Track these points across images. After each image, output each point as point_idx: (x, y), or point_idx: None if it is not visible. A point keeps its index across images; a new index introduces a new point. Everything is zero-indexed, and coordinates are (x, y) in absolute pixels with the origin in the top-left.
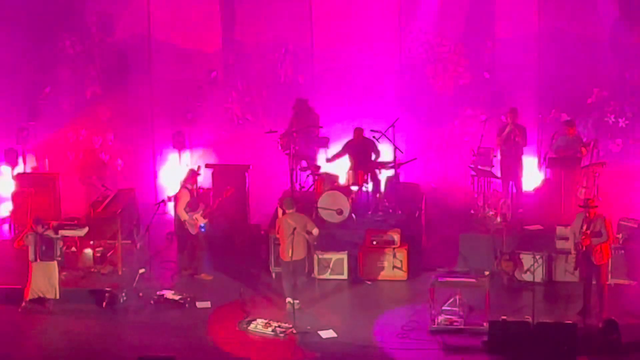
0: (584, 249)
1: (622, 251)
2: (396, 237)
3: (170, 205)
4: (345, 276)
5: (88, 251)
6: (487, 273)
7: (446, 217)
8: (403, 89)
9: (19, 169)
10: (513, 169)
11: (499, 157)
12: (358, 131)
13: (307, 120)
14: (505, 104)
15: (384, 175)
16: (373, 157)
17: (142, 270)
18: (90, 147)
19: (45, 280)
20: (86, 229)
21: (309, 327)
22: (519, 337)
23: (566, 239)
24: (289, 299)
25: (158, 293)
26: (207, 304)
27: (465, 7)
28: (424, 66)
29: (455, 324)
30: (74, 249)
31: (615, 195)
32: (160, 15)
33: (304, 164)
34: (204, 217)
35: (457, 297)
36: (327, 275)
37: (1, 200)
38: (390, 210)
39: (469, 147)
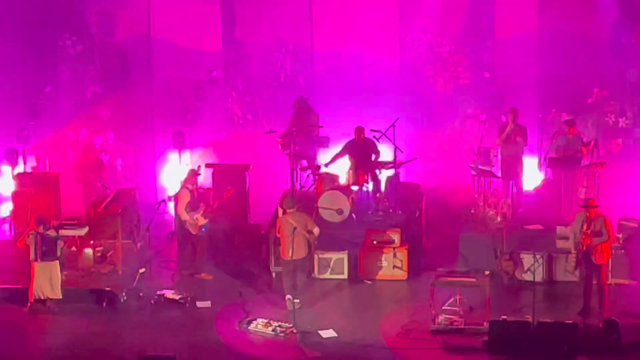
0: (585, 248)
1: (623, 251)
2: (396, 236)
3: (171, 205)
4: (345, 276)
5: (88, 251)
6: (487, 273)
7: (446, 217)
8: (403, 88)
9: (19, 168)
10: (513, 169)
11: (499, 156)
12: (359, 130)
13: (307, 120)
14: (505, 104)
15: (384, 175)
16: (373, 157)
17: (142, 270)
18: (88, 146)
19: (47, 280)
20: (86, 229)
21: (309, 327)
22: (519, 337)
23: (566, 238)
24: (288, 296)
25: (158, 293)
26: (208, 304)
27: (465, 7)
28: (424, 66)
29: (455, 323)
30: (74, 248)
31: (616, 195)
32: (160, 15)
33: (304, 163)
34: (205, 217)
35: (458, 297)
36: (327, 275)
37: (1, 200)
38: (391, 210)
39: (469, 147)
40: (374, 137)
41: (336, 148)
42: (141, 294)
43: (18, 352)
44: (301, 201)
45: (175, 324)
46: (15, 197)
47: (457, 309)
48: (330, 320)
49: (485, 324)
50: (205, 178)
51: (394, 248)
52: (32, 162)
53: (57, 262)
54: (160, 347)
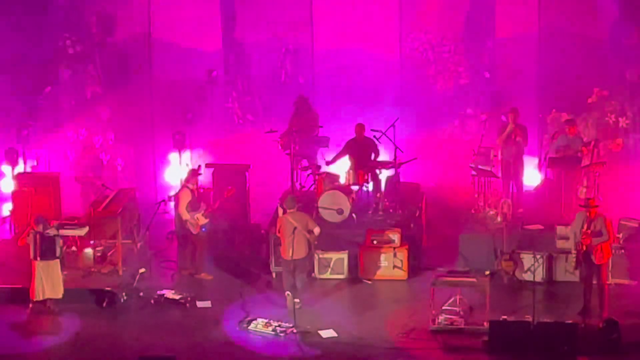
0: (585, 248)
1: (623, 251)
2: (396, 236)
3: (171, 205)
4: (345, 276)
5: (88, 251)
6: (487, 273)
7: (446, 217)
8: (403, 88)
9: (19, 168)
10: (513, 169)
11: (499, 156)
12: (360, 127)
13: (307, 119)
14: (505, 104)
15: (384, 174)
16: (373, 156)
17: (142, 270)
18: (88, 146)
19: (47, 279)
20: (86, 229)
21: (309, 327)
22: (520, 337)
23: (566, 238)
24: (287, 292)
25: (158, 293)
26: (208, 304)
27: (466, 7)
28: (424, 66)
29: (455, 323)
30: (74, 248)
31: (616, 194)
32: (160, 15)
33: (304, 163)
34: (205, 217)
35: (458, 297)
36: (327, 275)
37: (2, 199)
38: (391, 210)
39: (469, 147)
40: (374, 136)
41: (337, 148)
42: (141, 294)
43: (18, 352)
44: (301, 201)
45: (176, 324)
46: (15, 197)
47: (457, 309)
48: (330, 320)
49: (485, 324)
50: (205, 178)
51: (394, 248)
52: (32, 162)
53: (58, 260)
54: (160, 347)
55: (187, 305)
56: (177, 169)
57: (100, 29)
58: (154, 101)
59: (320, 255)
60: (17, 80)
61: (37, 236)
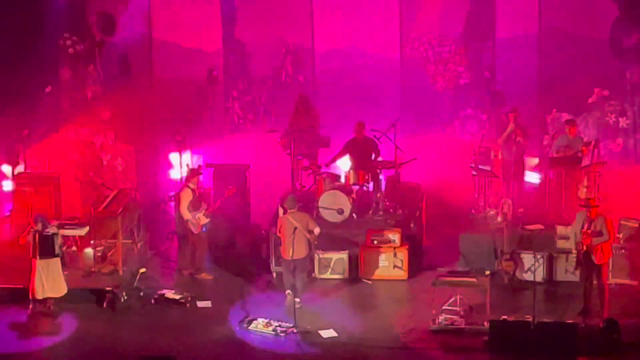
0: (585, 248)
1: (623, 251)
2: (396, 236)
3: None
4: (345, 275)
5: (88, 251)
6: (487, 273)
7: (446, 217)
8: (404, 88)
9: (20, 168)
10: (514, 169)
11: (499, 156)
12: (360, 126)
13: (308, 119)
14: (505, 104)
15: (384, 174)
16: (373, 156)
17: (142, 270)
18: (89, 145)
19: (48, 277)
20: (87, 229)
21: (309, 327)
22: (520, 337)
23: (567, 238)
24: (288, 291)
25: (159, 292)
26: (208, 304)
27: (466, 6)
28: (424, 66)
29: (455, 323)
30: (74, 248)
31: (616, 194)
32: (161, 15)
33: (305, 163)
34: (206, 217)
35: (458, 297)
36: (327, 275)
37: (3, 200)
38: (391, 210)
39: (470, 146)
40: (375, 136)
41: (337, 148)
42: (141, 294)
43: (18, 351)
44: (301, 201)
45: (176, 324)
46: (15, 197)
47: (457, 309)
48: (330, 320)
49: (485, 323)
50: (205, 178)
51: (394, 248)
52: (32, 162)
53: (58, 259)
54: (160, 347)
55: (187, 305)
56: (177, 168)
57: (100, 28)
58: (155, 101)
59: (321, 255)
60: (17, 79)
61: (36, 235)
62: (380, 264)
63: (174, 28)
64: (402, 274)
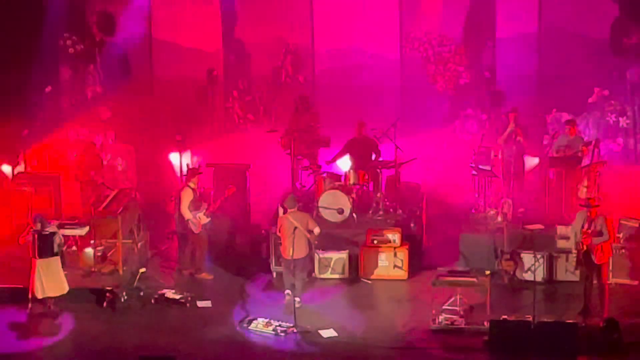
0: (585, 248)
1: (623, 250)
2: (396, 236)
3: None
4: (345, 275)
5: (89, 250)
6: (487, 272)
7: (446, 216)
8: (404, 88)
9: (20, 168)
10: (514, 168)
11: (500, 156)
12: (360, 125)
13: (307, 119)
14: (505, 104)
15: (384, 174)
16: (373, 156)
17: (142, 270)
18: (90, 144)
19: (49, 277)
20: (87, 228)
21: (309, 327)
22: (520, 337)
23: (567, 238)
24: (287, 291)
25: (159, 292)
26: (208, 303)
27: (466, 6)
28: (424, 66)
29: (455, 323)
30: (74, 248)
31: (616, 194)
32: (161, 14)
33: (305, 163)
34: (207, 216)
35: (458, 297)
36: (327, 275)
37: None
38: (391, 210)
39: (470, 146)
40: (375, 136)
41: (337, 148)
42: (142, 294)
43: (18, 351)
44: (302, 201)
45: (176, 323)
46: (15, 196)
47: (457, 308)
48: (330, 319)
49: (485, 323)
50: (205, 177)
51: (394, 248)
52: (32, 162)
53: (57, 258)
54: (160, 347)
55: (187, 305)
56: (177, 168)
57: (100, 28)
58: (155, 101)
59: (321, 255)
60: (17, 79)
61: (36, 235)
62: (380, 264)
63: (174, 28)
64: (402, 273)
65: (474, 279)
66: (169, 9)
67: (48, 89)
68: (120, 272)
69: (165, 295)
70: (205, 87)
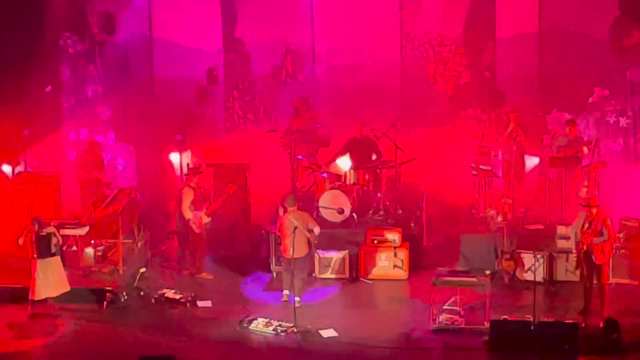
0: (585, 248)
1: (623, 250)
2: (397, 236)
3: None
4: (346, 275)
5: (89, 250)
6: (488, 272)
7: (446, 216)
8: (404, 88)
9: (20, 168)
10: (514, 168)
11: (500, 156)
12: (360, 125)
13: (307, 119)
14: (506, 104)
15: (384, 174)
16: (374, 156)
17: (143, 270)
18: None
19: (48, 277)
20: (87, 228)
21: (309, 326)
22: (520, 337)
23: (567, 238)
24: (285, 291)
25: (159, 292)
26: (208, 303)
27: (466, 6)
28: (424, 66)
29: (456, 323)
30: (74, 248)
31: (616, 194)
32: (161, 14)
33: (305, 163)
34: (208, 216)
35: (458, 297)
36: (328, 274)
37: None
38: (391, 210)
39: (470, 146)
40: (375, 136)
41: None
42: (142, 294)
43: (18, 351)
44: (302, 200)
45: (176, 323)
46: (15, 196)
47: (457, 308)
48: (330, 319)
49: (485, 323)
50: (206, 177)
51: (395, 247)
52: (32, 162)
53: (57, 257)
54: (160, 347)
55: (188, 304)
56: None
57: (100, 28)
58: (155, 101)
59: (321, 255)
60: (17, 79)
61: (33, 236)
62: (380, 264)
63: (174, 27)
64: (402, 273)
65: (474, 279)
66: (169, 8)
67: (48, 89)
68: (121, 272)
69: (165, 295)
70: (205, 87)
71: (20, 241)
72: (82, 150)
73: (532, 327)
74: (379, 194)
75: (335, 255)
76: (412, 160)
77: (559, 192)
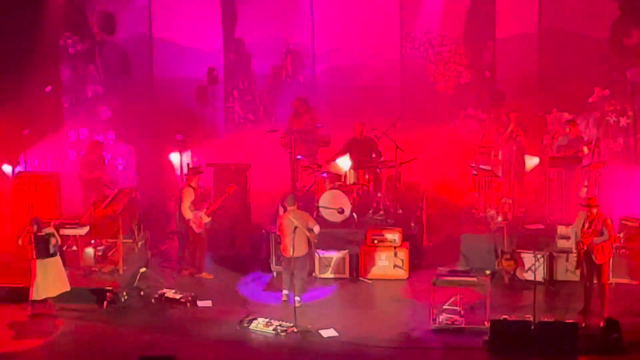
0: (585, 248)
1: (624, 250)
2: (397, 236)
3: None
4: (346, 275)
5: (89, 250)
6: (488, 272)
7: (446, 216)
8: (404, 88)
9: (20, 168)
10: (514, 168)
11: (500, 156)
12: (360, 125)
13: (307, 120)
14: (506, 103)
15: (384, 174)
16: (374, 156)
17: (143, 269)
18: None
19: (48, 277)
20: (87, 228)
21: (309, 326)
22: (520, 337)
23: (567, 238)
24: (285, 291)
25: (159, 292)
26: (208, 303)
27: (466, 6)
28: (424, 65)
29: (456, 323)
30: (75, 247)
31: (617, 194)
32: (161, 14)
33: (305, 163)
34: (208, 215)
35: (458, 297)
36: (327, 274)
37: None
38: (391, 210)
39: (470, 146)
40: (375, 136)
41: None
42: (142, 293)
43: (18, 351)
44: (302, 200)
45: (176, 323)
46: (15, 196)
47: (457, 308)
48: (330, 319)
49: (486, 323)
50: (206, 177)
51: (395, 247)
52: (32, 162)
53: (57, 257)
54: (160, 347)
55: (188, 304)
56: (177, 168)
57: (100, 28)
58: (155, 100)
59: (321, 255)
60: (17, 79)
61: (32, 236)
62: (380, 264)
63: (175, 27)
64: (402, 273)
65: (474, 279)
66: (169, 8)
67: (48, 89)
68: (121, 271)
69: (166, 295)
70: (205, 87)
71: (20, 242)
72: (84, 150)
73: (532, 327)
74: (379, 194)
75: (336, 255)
76: (412, 160)
77: (559, 192)
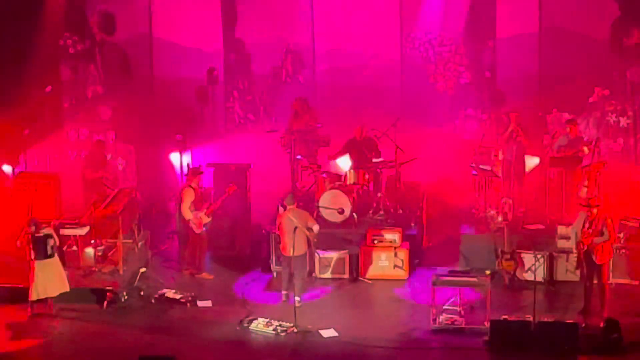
0: (586, 248)
1: (624, 250)
2: (397, 236)
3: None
4: (346, 275)
5: (89, 250)
6: (488, 272)
7: (446, 216)
8: (404, 88)
9: (20, 168)
10: (514, 168)
11: (500, 156)
12: (360, 127)
13: (307, 120)
14: (506, 104)
15: (384, 174)
16: (373, 154)
17: (143, 270)
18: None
19: (47, 278)
20: (87, 228)
21: (309, 326)
22: (520, 337)
23: (567, 238)
24: (284, 292)
25: (159, 292)
26: (209, 303)
27: (467, 6)
28: (424, 65)
29: (456, 323)
30: (75, 247)
31: (617, 194)
32: (161, 14)
33: (305, 163)
34: (208, 216)
35: (458, 297)
36: (327, 274)
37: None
38: (391, 210)
39: (470, 146)
40: (375, 136)
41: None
42: (142, 294)
43: (18, 351)
44: (302, 200)
45: (176, 323)
46: (15, 196)
47: (457, 308)
48: (331, 319)
49: (486, 323)
50: (206, 177)
51: (395, 247)
52: (32, 162)
53: (55, 258)
54: (160, 347)
55: (188, 304)
56: (178, 168)
57: (101, 28)
58: (155, 100)
59: (321, 255)
60: (17, 79)
61: (30, 237)
62: (380, 264)
63: (175, 27)
64: (402, 273)
65: (474, 279)
66: (169, 8)
67: (48, 89)
68: (121, 271)
69: (166, 295)
70: (205, 87)
71: (18, 243)
72: (88, 150)
73: (532, 327)
74: (379, 194)
75: (336, 255)
76: (412, 160)
77: (559, 192)
